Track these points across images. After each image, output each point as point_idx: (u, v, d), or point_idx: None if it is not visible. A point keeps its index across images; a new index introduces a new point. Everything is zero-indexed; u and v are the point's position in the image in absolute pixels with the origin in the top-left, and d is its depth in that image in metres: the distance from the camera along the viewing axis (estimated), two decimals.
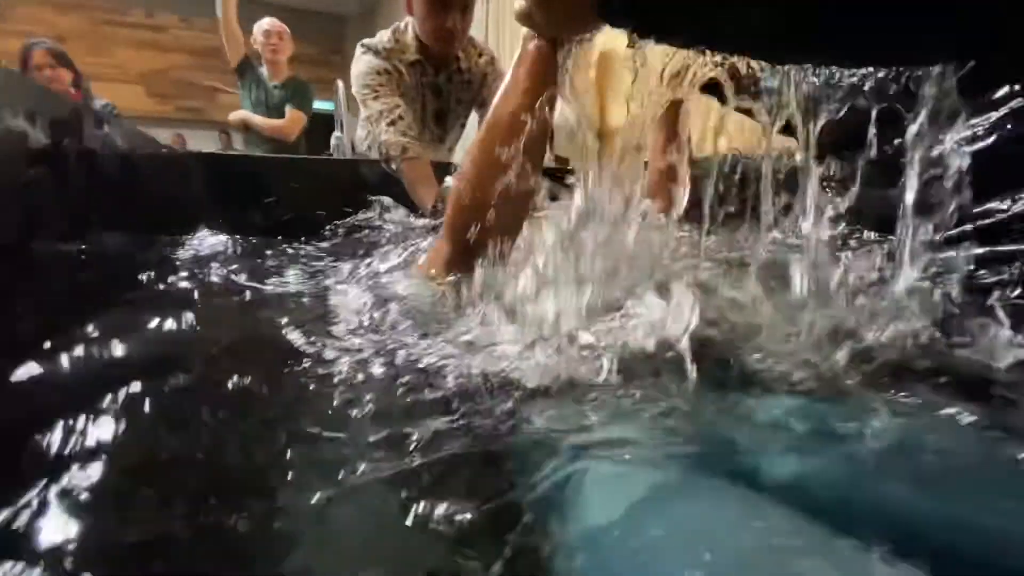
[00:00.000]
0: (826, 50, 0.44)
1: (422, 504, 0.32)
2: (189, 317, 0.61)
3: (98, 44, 6.26)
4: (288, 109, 2.55)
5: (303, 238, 1.17)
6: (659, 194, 1.06)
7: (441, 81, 1.56)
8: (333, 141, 3.02)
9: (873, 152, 0.55)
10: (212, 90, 5.69)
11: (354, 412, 0.42)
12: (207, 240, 1.06)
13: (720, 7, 0.41)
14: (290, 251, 1.06)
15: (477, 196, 0.58)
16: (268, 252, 1.03)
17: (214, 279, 0.82)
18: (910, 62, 0.47)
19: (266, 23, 2.52)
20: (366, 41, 1.52)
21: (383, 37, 1.51)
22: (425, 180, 1.31)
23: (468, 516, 0.31)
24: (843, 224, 0.66)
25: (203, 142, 6.49)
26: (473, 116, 1.68)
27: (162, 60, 6.57)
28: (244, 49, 2.53)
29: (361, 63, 1.48)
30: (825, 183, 0.61)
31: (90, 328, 0.55)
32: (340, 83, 3.05)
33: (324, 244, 1.15)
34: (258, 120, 2.54)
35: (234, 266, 0.88)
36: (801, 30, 0.40)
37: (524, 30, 0.58)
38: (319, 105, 3.19)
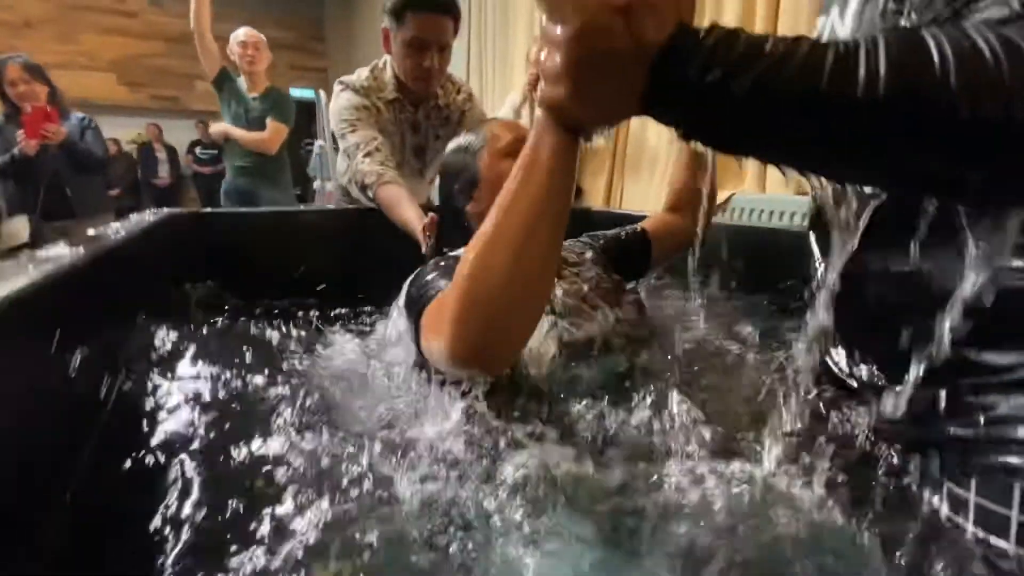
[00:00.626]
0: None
1: None
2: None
3: (66, 31, 6.05)
4: (269, 121, 2.54)
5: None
6: (680, 208, 1.04)
7: (420, 117, 1.59)
8: (315, 150, 3.03)
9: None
10: None
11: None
12: None
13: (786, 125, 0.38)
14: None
15: (487, 294, 0.54)
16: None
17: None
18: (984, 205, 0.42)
19: (241, 34, 2.49)
20: (344, 79, 1.54)
21: (361, 75, 1.53)
22: (403, 200, 1.31)
23: None
24: None
25: (180, 132, 6.36)
26: None
27: (134, 47, 6.38)
28: (221, 61, 2.51)
29: (340, 100, 1.50)
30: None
31: None
32: (323, 93, 3.02)
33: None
34: (239, 133, 2.53)
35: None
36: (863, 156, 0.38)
37: (537, 113, 0.52)
38: (297, 94, 3.13)
